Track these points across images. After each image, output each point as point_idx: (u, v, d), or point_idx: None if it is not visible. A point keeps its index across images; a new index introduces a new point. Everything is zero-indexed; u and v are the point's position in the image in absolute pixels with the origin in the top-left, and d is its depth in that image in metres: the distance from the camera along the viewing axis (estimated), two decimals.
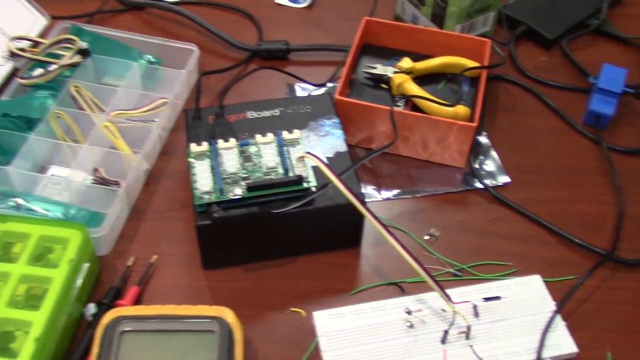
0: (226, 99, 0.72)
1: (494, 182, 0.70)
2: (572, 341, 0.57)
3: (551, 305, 0.59)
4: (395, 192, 0.69)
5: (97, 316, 0.56)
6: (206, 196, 0.58)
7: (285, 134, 0.62)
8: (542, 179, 0.71)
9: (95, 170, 0.66)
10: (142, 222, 0.65)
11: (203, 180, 0.58)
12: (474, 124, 0.67)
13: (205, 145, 0.61)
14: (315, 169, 0.60)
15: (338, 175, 0.57)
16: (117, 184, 0.65)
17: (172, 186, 0.69)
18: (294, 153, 0.60)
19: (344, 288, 0.61)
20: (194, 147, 0.61)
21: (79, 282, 0.56)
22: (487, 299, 0.58)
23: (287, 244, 0.62)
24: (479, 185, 0.69)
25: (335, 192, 0.60)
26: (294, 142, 0.62)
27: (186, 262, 0.62)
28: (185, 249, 0.63)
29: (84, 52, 0.74)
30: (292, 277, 0.62)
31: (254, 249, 0.62)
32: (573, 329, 0.57)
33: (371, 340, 0.56)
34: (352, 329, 0.57)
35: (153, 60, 0.77)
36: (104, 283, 0.60)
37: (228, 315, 0.54)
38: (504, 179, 0.70)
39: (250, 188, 0.58)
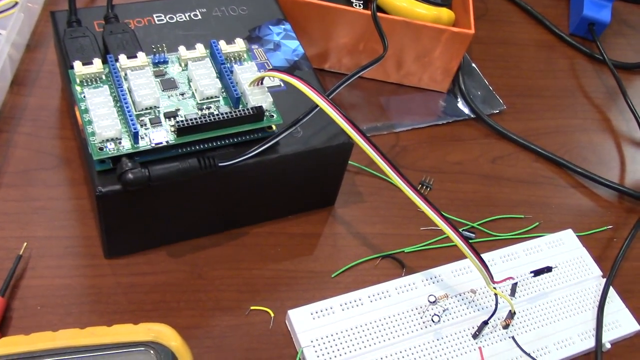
0: None
1: (488, 110, 0.54)
2: (632, 315, 0.43)
3: (595, 269, 0.44)
4: (365, 127, 0.50)
5: None
6: (110, 146, 0.36)
7: (224, 45, 0.41)
8: (540, 105, 0.56)
9: None
10: None
11: (102, 120, 0.36)
12: (471, 31, 0.50)
13: (98, 65, 0.38)
14: (275, 97, 0.40)
15: (329, 100, 0.37)
16: None
17: (39, 133, 0.45)
18: (241, 73, 0.39)
19: (321, 269, 0.42)
20: (80, 69, 0.38)
21: None
22: (536, 273, 0.42)
23: (236, 211, 0.42)
24: (468, 113, 0.53)
25: (309, 131, 0.40)
26: (237, 57, 0.41)
27: (77, 249, 0.40)
28: (74, 230, 0.41)
29: None
30: (244, 259, 0.42)
31: (184, 221, 0.41)
32: (624, 298, 0.44)
33: (378, 343, 0.38)
34: (348, 331, 0.39)
35: None
36: None
37: (169, 337, 0.33)
38: (497, 105, 0.54)
39: (180, 130, 0.36)
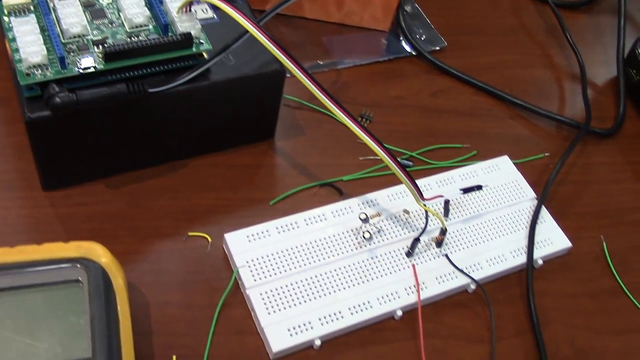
0: None
1: (429, 47, 0.54)
2: (563, 234, 0.44)
3: (529, 192, 0.46)
4: (307, 65, 0.51)
5: None
6: (37, 71, 0.36)
7: None
8: (482, 42, 0.57)
9: None
10: None
11: (29, 47, 0.36)
12: None
13: None
14: (208, 29, 0.41)
15: (259, 25, 0.38)
16: None
17: None
18: (171, 2, 0.40)
19: (260, 197, 0.43)
20: (8, 0, 0.38)
21: None
22: (465, 191, 0.43)
23: (171, 141, 0.42)
24: (409, 51, 0.54)
25: (242, 58, 0.41)
26: None
27: (15, 182, 0.41)
28: (12, 164, 0.41)
29: None
30: (182, 189, 0.43)
31: (121, 152, 0.41)
32: (558, 219, 0.45)
33: (313, 263, 0.39)
34: (283, 252, 0.39)
35: None
36: None
37: (99, 253, 0.34)
38: (439, 42, 0.55)
39: (108, 55, 0.37)
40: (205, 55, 0.40)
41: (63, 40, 0.37)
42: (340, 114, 0.39)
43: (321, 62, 0.51)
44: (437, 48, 0.54)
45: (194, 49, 0.39)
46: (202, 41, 0.39)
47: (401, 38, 0.54)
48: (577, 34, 0.58)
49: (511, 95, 0.52)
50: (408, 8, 0.57)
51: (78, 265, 0.33)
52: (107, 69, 0.37)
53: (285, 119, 0.47)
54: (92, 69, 0.37)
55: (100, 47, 0.37)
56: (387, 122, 0.49)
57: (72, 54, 0.37)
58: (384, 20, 0.54)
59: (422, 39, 0.55)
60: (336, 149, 0.46)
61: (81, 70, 0.36)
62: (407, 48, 0.54)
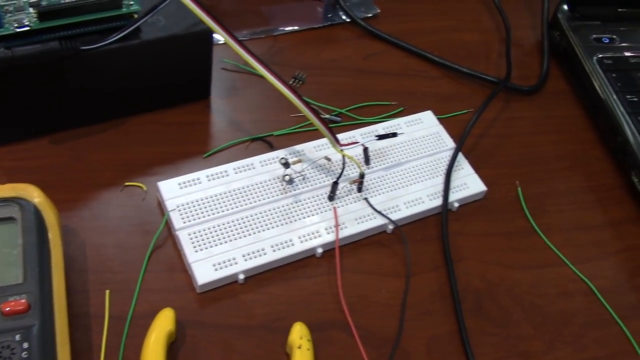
0: None
1: (362, 14, 0.57)
2: (479, 179, 0.47)
3: (450, 143, 0.49)
4: (245, 32, 0.54)
5: None
6: None
7: None
8: (416, 9, 0.60)
9: None
10: None
11: None
12: None
13: None
14: None
15: None
16: None
17: None
18: None
19: (194, 151, 0.46)
20: None
21: None
22: (380, 137, 0.46)
23: (108, 99, 0.45)
24: (344, 18, 0.57)
25: (170, 20, 0.44)
26: None
27: None
28: None
29: None
30: (122, 145, 0.46)
31: (61, 109, 0.44)
32: (477, 168, 0.48)
33: (240, 207, 0.42)
34: (212, 198, 0.43)
35: None
36: None
37: (33, 194, 0.37)
38: (372, 9, 0.58)
39: (42, 15, 0.40)
40: (135, 15, 0.43)
41: (1, 3, 0.40)
42: (260, 67, 0.42)
43: (258, 30, 0.54)
44: (370, 15, 0.57)
45: (124, 9, 0.42)
46: (132, 2, 0.42)
47: (337, 6, 0.57)
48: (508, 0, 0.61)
49: (440, 57, 0.55)
50: None
51: (13, 204, 0.36)
52: (41, 28, 0.40)
53: (223, 80, 0.50)
54: (28, 28, 0.40)
55: (34, 8, 0.40)
56: (320, 82, 0.52)
57: (8, 14, 0.40)
58: None
59: (356, 5, 0.58)
60: (269, 107, 0.49)
61: (16, 29, 0.39)
62: (343, 16, 0.57)
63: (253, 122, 0.48)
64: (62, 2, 0.41)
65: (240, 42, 0.42)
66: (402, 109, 0.51)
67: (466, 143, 0.49)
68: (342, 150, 0.43)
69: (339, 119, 0.50)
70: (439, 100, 0.53)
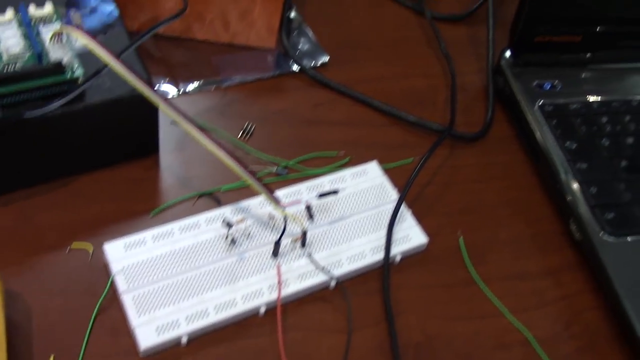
0: None
1: (312, 63, 0.59)
2: (421, 231, 0.49)
3: (393, 194, 0.50)
4: (196, 83, 0.55)
5: None
6: None
7: (32, 9, 0.45)
8: (364, 55, 0.61)
9: None
10: None
11: None
12: None
13: None
14: (83, 57, 0.44)
15: (115, 54, 0.41)
16: None
17: None
18: (46, 33, 0.44)
19: (142, 209, 0.47)
20: None
21: None
22: (321, 195, 0.47)
23: (55, 160, 0.46)
24: (295, 68, 0.58)
25: (115, 82, 0.45)
26: (46, 20, 0.45)
27: None
28: None
29: None
30: (69, 205, 0.46)
31: (7, 173, 0.45)
32: (420, 218, 0.49)
33: (185, 268, 0.43)
34: (157, 259, 0.43)
35: None
36: None
37: None
38: (322, 58, 0.59)
39: None
40: (79, 80, 0.44)
41: None
42: (199, 135, 0.43)
43: (209, 80, 0.55)
44: (319, 64, 0.59)
45: (67, 75, 0.43)
46: (75, 67, 0.43)
47: (287, 56, 0.58)
48: (454, 45, 0.63)
49: (387, 105, 0.56)
50: (295, 25, 0.61)
51: None
52: None
53: (172, 133, 0.51)
54: None
55: None
56: (268, 133, 0.53)
57: None
58: (269, 39, 0.58)
59: (306, 54, 0.59)
60: (217, 162, 0.50)
61: None
62: (293, 66, 0.58)
63: (201, 177, 0.49)
64: (4, 70, 0.41)
65: (174, 106, 0.43)
66: (348, 159, 0.52)
67: (410, 192, 0.51)
68: (283, 210, 0.44)
69: (285, 171, 0.51)
70: (385, 149, 0.54)
